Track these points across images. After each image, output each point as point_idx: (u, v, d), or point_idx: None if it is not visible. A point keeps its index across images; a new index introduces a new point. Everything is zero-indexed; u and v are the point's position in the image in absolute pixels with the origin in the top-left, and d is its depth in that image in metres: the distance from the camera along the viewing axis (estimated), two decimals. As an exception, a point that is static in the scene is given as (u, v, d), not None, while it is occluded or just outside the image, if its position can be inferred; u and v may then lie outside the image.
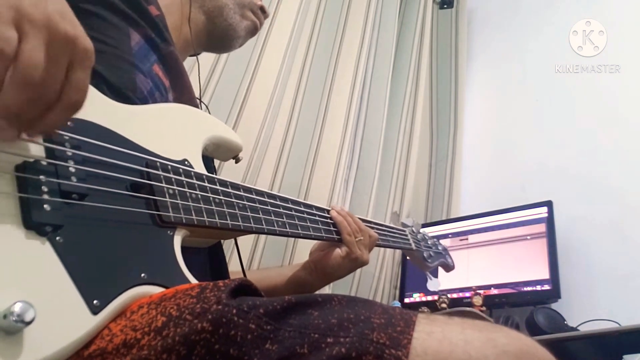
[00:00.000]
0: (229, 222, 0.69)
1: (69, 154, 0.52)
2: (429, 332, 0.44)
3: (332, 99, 1.81)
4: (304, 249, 1.44)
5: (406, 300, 1.87)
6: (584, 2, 2.14)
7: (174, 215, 0.61)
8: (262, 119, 1.51)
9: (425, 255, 1.23)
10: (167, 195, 0.62)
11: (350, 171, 1.86)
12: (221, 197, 0.70)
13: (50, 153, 0.51)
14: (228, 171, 1.27)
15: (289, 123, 1.66)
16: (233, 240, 0.94)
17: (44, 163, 0.50)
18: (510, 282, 1.69)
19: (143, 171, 0.61)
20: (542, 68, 2.16)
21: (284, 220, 0.81)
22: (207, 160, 0.76)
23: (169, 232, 0.61)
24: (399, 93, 2.15)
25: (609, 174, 1.83)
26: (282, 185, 1.58)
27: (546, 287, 1.63)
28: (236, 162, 0.84)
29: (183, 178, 0.66)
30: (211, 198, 0.68)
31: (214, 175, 0.71)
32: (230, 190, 0.72)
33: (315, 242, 1.08)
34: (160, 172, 0.62)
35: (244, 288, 0.51)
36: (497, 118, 2.31)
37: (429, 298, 1.81)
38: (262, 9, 1.06)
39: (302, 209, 0.87)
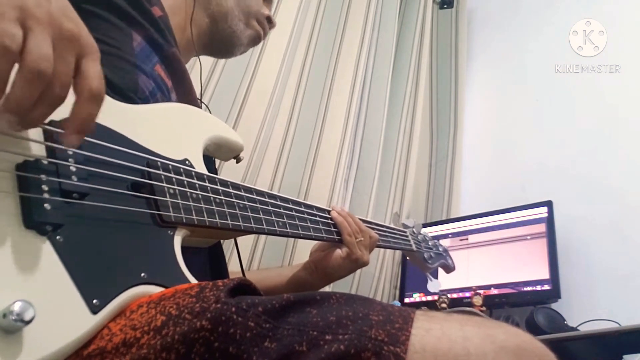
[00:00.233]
0: (229, 222, 0.69)
1: (70, 153, 0.53)
2: (427, 328, 0.44)
3: (332, 99, 1.81)
4: (304, 249, 1.44)
5: (406, 300, 1.87)
6: (584, 2, 2.14)
7: (174, 215, 0.61)
8: (262, 118, 1.51)
9: (425, 256, 1.23)
10: (167, 195, 0.62)
11: (350, 171, 1.86)
12: (222, 197, 0.70)
13: (51, 152, 0.51)
14: (228, 171, 1.27)
15: (289, 123, 1.67)
16: (233, 240, 0.94)
17: (45, 162, 0.50)
18: (510, 282, 1.69)
19: (144, 171, 0.61)
20: (542, 68, 2.16)
21: (285, 220, 0.81)
22: (208, 160, 0.76)
23: (169, 231, 0.62)
24: (399, 93, 2.15)
25: (609, 174, 1.83)
26: (282, 185, 1.58)
27: (546, 287, 1.63)
28: (237, 162, 0.84)
29: (184, 178, 0.66)
30: (212, 198, 0.68)
31: (214, 175, 0.71)
32: (230, 190, 0.72)
33: (315, 242, 1.08)
34: (161, 172, 0.63)
35: (243, 287, 0.51)
36: (497, 118, 2.31)
37: (429, 298, 1.81)
38: (269, 19, 1.05)
39: (303, 209, 0.88)
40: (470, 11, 2.53)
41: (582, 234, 1.79)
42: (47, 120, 0.47)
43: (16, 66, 0.42)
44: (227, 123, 0.98)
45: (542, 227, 1.72)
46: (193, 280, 0.59)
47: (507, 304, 1.69)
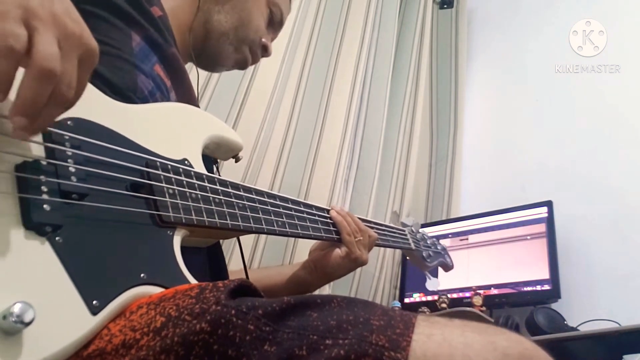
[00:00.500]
0: (228, 222, 0.69)
1: (69, 153, 0.52)
2: (428, 334, 0.44)
3: (332, 99, 1.81)
4: (304, 249, 1.44)
5: (406, 300, 1.87)
6: (584, 2, 2.14)
7: (173, 215, 0.61)
8: (261, 118, 1.51)
9: (424, 254, 1.23)
10: (167, 195, 0.62)
11: (350, 171, 1.86)
12: (221, 197, 0.70)
13: (50, 153, 0.51)
14: (228, 171, 1.27)
15: (289, 123, 1.66)
16: (234, 239, 0.94)
17: (44, 163, 0.50)
18: (510, 282, 1.69)
19: (143, 171, 0.61)
20: (542, 68, 2.16)
21: (284, 220, 0.81)
22: (208, 160, 0.76)
23: (168, 232, 0.61)
24: (399, 93, 2.15)
25: (609, 174, 1.83)
26: (282, 185, 1.58)
27: (546, 287, 1.63)
28: (236, 162, 0.84)
29: (183, 178, 0.66)
30: (211, 198, 0.68)
31: (213, 175, 0.71)
32: (230, 190, 0.72)
33: (314, 241, 1.08)
34: (160, 172, 0.62)
35: (244, 288, 0.51)
36: (497, 118, 2.31)
37: (429, 298, 1.81)
38: (265, 48, 1.03)
39: (302, 208, 0.87)
40: (470, 11, 2.53)
41: (582, 234, 1.79)
42: None
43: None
44: (226, 123, 0.98)
45: (542, 227, 1.72)
46: (193, 280, 0.59)
47: (507, 304, 1.69)
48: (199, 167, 0.71)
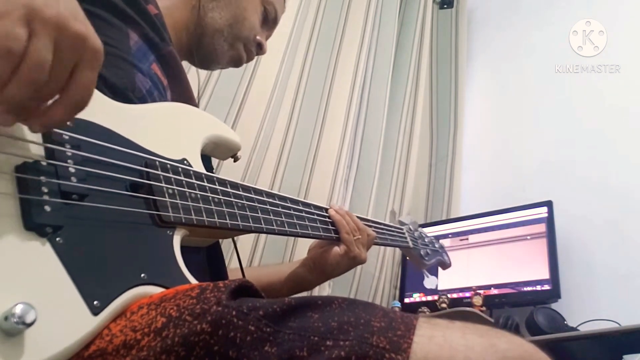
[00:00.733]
0: (228, 221, 0.69)
1: (69, 154, 0.52)
2: (429, 336, 0.44)
3: (332, 98, 1.81)
4: (304, 249, 1.44)
5: (406, 300, 1.87)
6: (584, 2, 2.14)
7: (173, 215, 0.61)
8: (261, 118, 1.51)
9: (422, 253, 1.23)
10: (166, 195, 0.62)
11: (350, 171, 1.86)
12: (220, 197, 0.70)
13: (50, 153, 0.51)
14: (227, 171, 1.27)
15: (288, 123, 1.66)
16: (232, 240, 0.94)
17: (44, 163, 0.50)
18: (510, 282, 1.69)
19: (142, 171, 0.61)
20: (542, 68, 2.16)
21: (283, 219, 0.81)
22: (205, 160, 0.76)
23: (168, 232, 0.61)
24: (399, 93, 2.15)
25: (609, 174, 1.83)
26: (282, 185, 1.58)
27: (546, 287, 1.63)
28: (235, 161, 0.84)
29: (182, 177, 0.66)
30: (210, 197, 0.68)
31: (213, 175, 0.71)
32: (229, 189, 0.72)
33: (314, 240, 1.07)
34: (159, 172, 0.62)
35: (245, 289, 0.51)
36: (497, 118, 2.31)
37: (429, 298, 1.81)
38: (260, 46, 1.03)
39: (301, 208, 0.87)
40: (470, 11, 2.53)
41: (582, 234, 1.79)
42: None
43: None
44: (226, 123, 0.99)
45: (542, 227, 1.72)
46: (193, 280, 0.59)
47: (507, 304, 1.69)
48: (198, 166, 0.71)
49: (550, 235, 1.69)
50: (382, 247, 1.87)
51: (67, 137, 0.53)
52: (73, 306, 0.47)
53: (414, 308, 1.78)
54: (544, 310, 1.50)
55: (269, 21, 1.05)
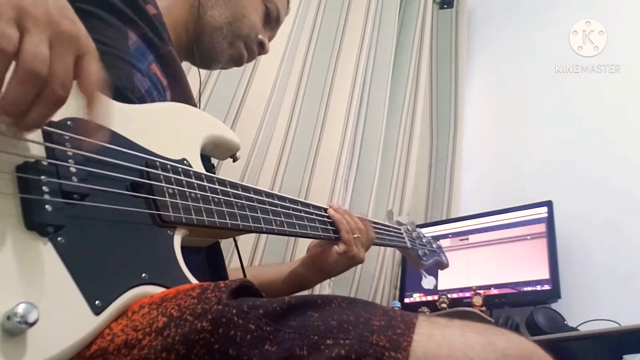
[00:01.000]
0: (228, 221, 0.69)
1: (70, 153, 0.52)
2: (429, 334, 0.44)
3: (332, 98, 1.81)
4: (304, 249, 1.44)
5: (406, 300, 1.87)
6: (584, 2, 2.14)
7: (173, 215, 0.61)
8: (260, 119, 1.51)
9: (420, 253, 1.23)
10: (166, 195, 0.62)
11: (350, 171, 1.86)
12: (220, 197, 0.70)
13: (50, 153, 0.51)
14: (227, 171, 1.27)
15: (289, 123, 1.66)
16: (233, 239, 0.94)
17: (45, 163, 0.50)
18: (510, 282, 1.69)
19: (143, 170, 0.61)
20: (542, 68, 2.16)
21: (282, 219, 0.81)
22: (205, 160, 0.76)
23: (169, 231, 0.62)
24: (399, 93, 2.15)
25: (609, 174, 1.83)
26: (283, 185, 1.58)
27: (546, 287, 1.63)
28: (234, 161, 0.84)
29: (182, 177, 0.66)
30: (210, 197, 0.68)
31: (212, 175, 0.71)
32: (229, 189, 0.72)
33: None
34: (159, 172, 0.63)
35: (245, 288, 0.51)
36: (497, 118, 2.31)
37: (429, 298, 1.81)
38: (262, 45, 1.03)
39: (300, 207, 0.88)
40: (470, 11, 2.53)
41: (582, 234, 1.79)
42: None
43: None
44: (225, 123, 0.98)
45: (542, 227, 1.72)
46: (193, 280, 0.59)
47: (507, 304, 1.69)
48: (198, 166, 0.71)
49: (550, 235, 1.69)
50: (383, 247, 1.87)
51: (67, 137, 0.53)
52: (75, 306, 0.48)
53: (414, 308, 1.78)
54: (544, 310, 1.50)
55: (272, 20, 1.04)
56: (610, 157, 1.86)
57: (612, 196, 1.79)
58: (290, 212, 0.84)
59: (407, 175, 2.10)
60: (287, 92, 1.67)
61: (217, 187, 0.70)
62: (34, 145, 0.50)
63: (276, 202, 0.82)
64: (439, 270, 1.49)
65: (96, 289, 0.49)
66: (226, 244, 0.94)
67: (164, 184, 0.62)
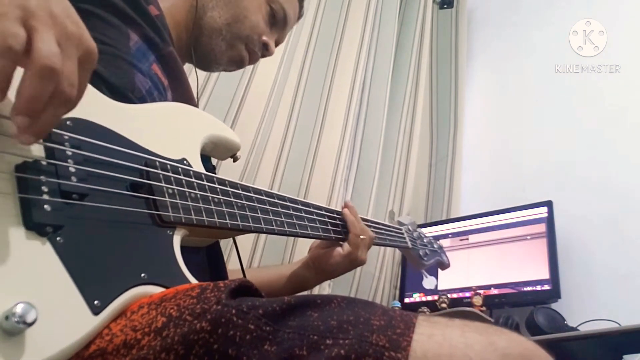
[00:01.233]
0: (227, 221, 0.69)
1: (69, 153, 0.52)
2: (429, 334, 0.44)
3: (331, 98, 1.81)
4: (304, 249, 1.44)
5: (406, 300, 1.87)
6: (584, 2, 2.14)
7: (173, 215, 0.61)
8: (260, 118, 1.51)
9: (421, 253, 1.23)
10: (166, 195, 0.62)
11: (350, 171, 1.86)
12: (220, 197, 0.70)
13: (50, 153, 0.51)
14: (226, 170, 1.27)
15: (288, 123, 1.66)
16: (232, 239, 0.94)
17: (44, 163, 0.50)
18: (510, 282, 1.69)
19: (142, 170, 0.61)
20: (542, 68, 2.16)
21: (282, 219, 0.81)
22: (205, 160, 0.76)
23: (168, 231, 0.61)
24: (399, 93, 2.15)
25: (609, 174, 1.83)
26: (282, 185, 1.58)
27: (546, 287, 1.63)
28: (234, 161, 0.84)
29: (182, 177, 0.66)
30: (210, 197, 0.68)
31: (212, 174, 0.71)
32: (229, 189, 0.72)
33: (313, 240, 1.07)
34: (159, 172, 0.62)
35: (244, 288, 0.51)
36: (497, 118, 2.31)
37: (429, 298, 1.81)
38: (265, 46, 1.00)
39: (300, 207, 0.87)
40: (470, 11, 2.53)
41: (582, 234, 1.79)
42: None
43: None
44: (225, 122, 0.98)
45: (542, 227, 1.72)
46: (193, 280, 0.59)
47: (507, 304, 1.69)
48: (198, 166, 0.71)
49: (550, 235, 1.69)
50: (382, 247, 1.87)
51: (67, 137, 0.53)
52: (73, 305, 0.48)
53: (414, 308, 1.78)
54: (544, 310, 1.50)
55: (278, 21, 1.02)
56: (610, 157, 1.86)
57: (612, 196, 1.79)
58: (291, 212, 0.84)
59: (407, 175, 2.10)
60: (286, 92, 1.67)
61: (217, 186, 0.70)
62: (34, 145, 0.50)
63: (276, 201, 0.81)
64: (439, 270, 1.49)
65: (95, 288, 0.49)
66: (225, 244, 0.94)
67: (163, 184, 0.62)
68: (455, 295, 1.75)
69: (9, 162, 0.47)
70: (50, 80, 0.42)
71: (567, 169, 1.94)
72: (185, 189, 0.65)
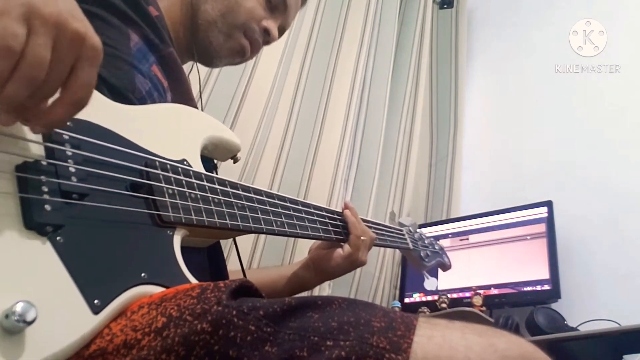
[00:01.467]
0: (228, 222, 0.69)
1: (69, 153, 0.52)
2: (429, 336, 0.44)
3: (331, 98, 1.81)
4: (304, 249, 1.44)
5: (406, 300, 1.87)
6: (584, 2, 2.14)
7: (173, 215, 0.61)
8: (260, 118, 1.51)
9: (422, 254, 1.23)
10: (166, 195, 0.62)
11: (350, 171, 1.86)
12: (220, 197, 0.70)
13: (50, 153, 0.51)
14: (226, 170, 1.27)
15: (288, 123, 1.66)
16: (232, 239, 0.94)
17: (44, 163, 0.50)
18: (510, 282, 1.69)
19: (142, 170, 0.61)
20: (542, 68, 2.16)
21: (283, 220, 0.81)
22: (207, 161, 0.76)
23: (168, 232, 0.61)
24: (399, 93, 2.15)
25: (609, 174, 1.83)
26: (281, 185, 1.58)
27: (546, 287, 1.63)
28: (234, 162, 0.84)
29: (182, 177, 0.66)
30: (210, 198, 0.68)
31: (212, 175, 0.71)
32: (229, 189, 0.72)
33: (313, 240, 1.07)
34: (159, 172, 0.62)
35: (245, 289, 0.51)
36: (497, 118, 2.31)
37: (429, 298, 1.81)
38: (266, 32, 0.97)
39: (300, 208, 0.87)
40: (470, 11, 2.53)
41: (582, 234, 1.79)
42: None
43: None
44: (224, 123, 0.98)
45: (542, 227, 1.72)
46: (193, 280, 0.59)
47: (507, 304, 1.69)
48: (198, 167, 0.71)
49: (550, 235, 1.69)
50: (383, 248, 1.87)
51: (67, 137, 0.53)
52: (73, 305, 0.48)
53: (414, 308, 1.78)
54: (544, 310, 1.50)
55: (277, 5, 0.98)
56: (610, 157, 1.86)
57: (612, 196, 1.79)
58: (291, 212, 0.84)
59: (407, 175, 2.10)
60: (286, 91, 1.67)
61: (217, 187, 0.70)
62: (34, 145, 0.50)
63: (276, 202, 0.81)
64: (439, 270, 1.49)
65: (95, 288, 0.49)
66: (225, 245, 0.94)
67: (163, 184, 0.62)
68: (455, 295, 1.75)
69: (9, 162, 0.47)
70: (30, 86, 0.42)
71: (567, 169, 1.94)
72: (185, 189, 0.65)
